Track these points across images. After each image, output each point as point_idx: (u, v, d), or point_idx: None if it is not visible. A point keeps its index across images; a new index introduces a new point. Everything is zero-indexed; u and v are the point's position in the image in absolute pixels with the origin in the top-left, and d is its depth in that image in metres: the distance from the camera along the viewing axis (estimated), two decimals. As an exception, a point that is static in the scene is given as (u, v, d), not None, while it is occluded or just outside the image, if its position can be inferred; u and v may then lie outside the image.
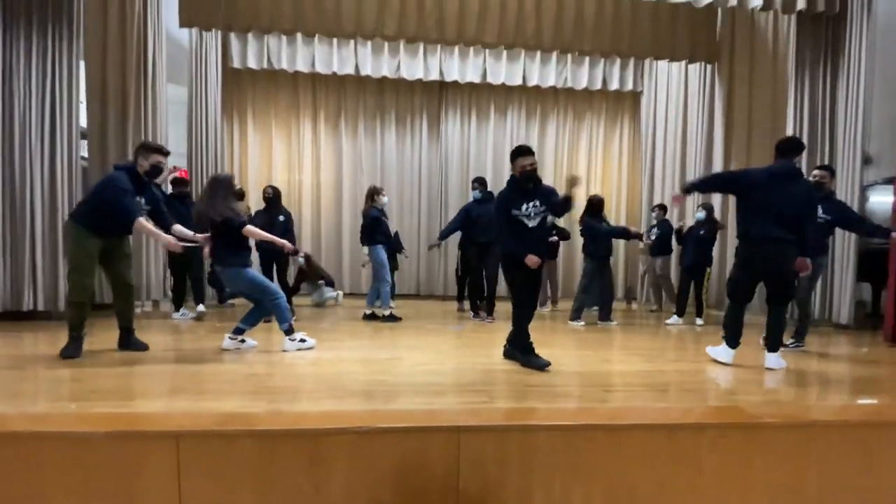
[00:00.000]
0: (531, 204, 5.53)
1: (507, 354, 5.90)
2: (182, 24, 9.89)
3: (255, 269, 6.25)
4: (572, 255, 13.30)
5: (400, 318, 8.83)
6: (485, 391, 4.46)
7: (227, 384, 4.62)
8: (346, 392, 4.43)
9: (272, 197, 8.94)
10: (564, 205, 5.58)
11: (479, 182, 9.62)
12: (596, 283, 9.20)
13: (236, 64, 12.03)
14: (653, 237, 10.44)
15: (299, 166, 12.99)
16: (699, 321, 9.23)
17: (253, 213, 9.16)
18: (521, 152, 5.57)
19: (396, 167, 13.17)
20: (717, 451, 3.76)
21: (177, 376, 4.94)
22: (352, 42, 12.03)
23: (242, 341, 6.18)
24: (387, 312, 8.78)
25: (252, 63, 12.02)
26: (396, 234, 9.39)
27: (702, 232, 9.15)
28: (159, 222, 6.07)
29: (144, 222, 5.56)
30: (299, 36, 11.75)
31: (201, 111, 11.30)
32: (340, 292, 11.55)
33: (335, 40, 11.93)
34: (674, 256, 10.73)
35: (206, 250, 8.20)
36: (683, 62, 11.78)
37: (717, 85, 11.36)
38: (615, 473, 3.69)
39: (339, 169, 12.92)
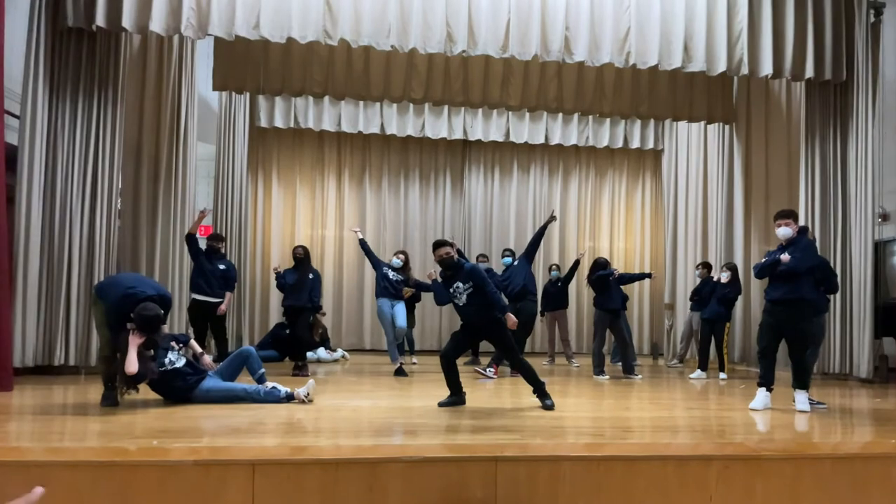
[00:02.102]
0: (455, 286, 6.72)
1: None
2: (215, 88, 10.90)
3: (214, 377, 6.67)
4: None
5: (406, 374, 9.55)
6: (517, 430, 5.32)
7: (283, 425, 5.50)
8: (392, 431, 5.31)
9: (303, 257, 9.90)
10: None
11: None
12: (603, 333, 10.01)
13: (263, 123, 13.01)
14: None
15: (322, 222, 13.87)
16: (722, 375, 10.01)
17: (282, 270, 10.04)
18: (435, 246, 6.84)
19: (420, 223, 14.02)
20: (722, 481, 4.59)
21: (229, 419, 5.81)
22: (377, 103, 12.90)
23: (274, 387, 6.89)
24: (396, 365, 9.64)
25: (279, 122, 13.00)
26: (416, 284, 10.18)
27: (727, 291, 9.95)
28: None
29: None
30: (326, 97, 12.45)
31: (228, 168, 12.21)
32: (341, 351, 12.29)
33: (361, 101, 12.81)
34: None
35: (222, 307, 9.19)
36: (702, 123, 12.49)
37: (736, 144, 12.13)
38: (631, 500, 4.53)
39: (363, 225, 13.66)
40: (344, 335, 13.76)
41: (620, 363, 10.27)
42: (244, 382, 6.85)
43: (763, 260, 7.02)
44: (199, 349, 6.90)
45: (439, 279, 7.04)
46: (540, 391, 6.69)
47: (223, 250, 9.79)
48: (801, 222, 8.12)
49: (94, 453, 4.49)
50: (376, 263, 9.99)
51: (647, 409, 6.89)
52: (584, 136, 13.97)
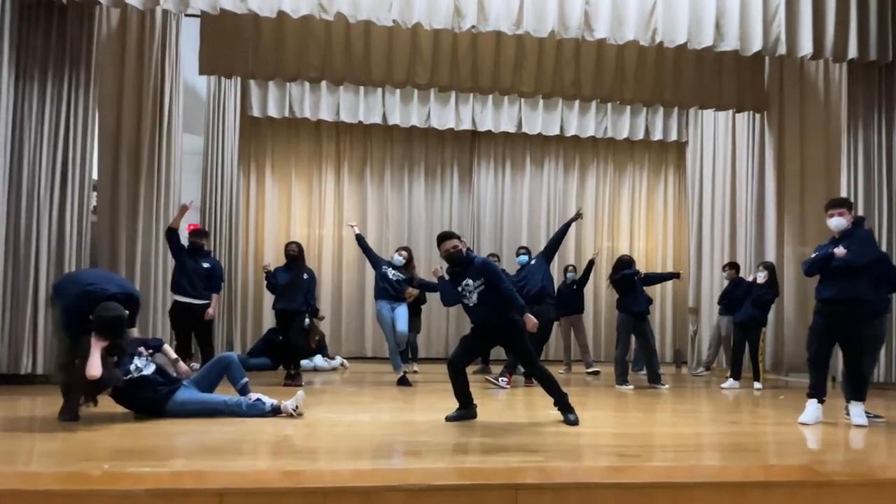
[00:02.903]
0: (464, 283, 6.13)
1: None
2: (202, 72, 10.28)
3: (189, 387, 6.04)
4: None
5: (410, 384, 9.01)
6: (538, 449, 4.67)
7: (265, 444, 4.86)
8: (392, 451, 4.67)
9: (297, 255, 9.26)
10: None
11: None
12: (627, 338, 9.45)
13: (255, 112, 12.46)
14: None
15: (320, 220, 13.37)
16: (757, 385, 9.41)
17: (272, 269, 9.44)
18: (440, 238, 6.28)
19: (425, 221, 13.52)
20: (787, 512, 3.93)
21: (204, 436, 5.17)
22: (379, 90, 12.39)
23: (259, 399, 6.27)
24: (399, 374, 9.10)
25: (272, 111, 12.44)
26: (420, 284, 9.68)
27: (763, 292, 9.41)
28: None
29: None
30: (324, 83, 12.05)
31: (217, 161, 11.70)
32: (340, 358, 11.77)
33: (361, 88, 12.31)
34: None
35: (210, 311, 8.60)
36: (731, 111, 11.96)
37: (767, 135, 11.52)
38: (680, 536, 3.88)
39: (364, 223, 13.13)
40: (343, 342, 13.23)
41: (645, 372, 9.63)
42: (226, 393, 6.22)
43: (813, 255, 6.36)
44: (173, 355, 6.30)
45: (446, 277, 6.42)
46: (562, 404, 6.08)
47: (208, 247, 9.18)
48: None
49: (36, 480, 3.87)
50: (375, 261, 9.43)
51: (683, 424, 6.29)
52: (602, 127, 13.42)
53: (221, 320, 11.77)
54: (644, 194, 14.29)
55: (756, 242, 11.48)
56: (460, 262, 6.20)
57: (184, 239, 8.92)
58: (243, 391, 6.22)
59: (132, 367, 5.65)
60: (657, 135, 13.62)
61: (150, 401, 5.79)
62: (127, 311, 5.58)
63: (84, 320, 5.38)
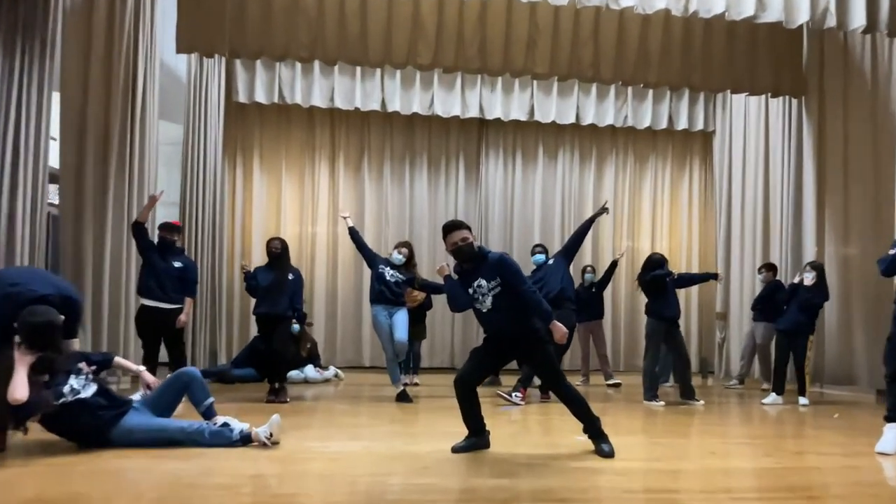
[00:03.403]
0: (475, 284, 5.21)
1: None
2: (180, 50, 9.55)
3: (141, 410, 5.10)
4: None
5: (411, 400, 8.16)
6: (575, 496, 3.73)
7: (220, 489, 3.89)
8: (381, 500, 3.71)
9: (280, 252, 8.33)
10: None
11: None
12: (657, 347, 8.63)
13: (242, 98, 11.79)
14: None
15: (313, 217, 12.61)
16: (803, 401, 8.57)
17: (252, 269, 8.55)
18: (447, 229, 5.33)
19: (428, 218, 12.77)
20: None
21: (148, 477, 4.22)
22: (377, 73, 11.77)
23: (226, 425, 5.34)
24: (398, 389, 8.26)
25: (260, 97, 11.75)
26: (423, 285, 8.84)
27: (811, 296, 8.59)
28: None
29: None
30: (317, 66, 11.45)
31: (199, 152, 11.06)
32: (333, 369, 10.95)
33: (358, 71, 11.67)
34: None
35: (182, 317, 7.72)
36: (763, 97, 11.39)
37: (806, 121, 10.90)
38: None
39: (361, 219, 12.39)
40: (339, 350, 12.40)
41: (672, 383, 8.71)
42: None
43: (892, 251, 5.46)
44: (133, 367, 5.38)
45: (454, 276, 5.45)
46: (594, 431, 5.15)
47: (180, 244, 8.28)
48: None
49: None
50: (371, 259, 8.49)
51: (738, 456, 5.37)
52: (621, 116, 12.69)
53: (204, 328, 11.13)
54: (667, 188, 13.51)
55: (793, 241, 10.92)
56: (471, 258, 5.24)
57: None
58: (207, 414, 5.28)
59: (66, 388, 4.69)
60: (682, 123, 12.95)
61: (89, 428, 4.84)
62: (62, 317, 4.67)
63: (6, 328, 4.48)
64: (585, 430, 5.17)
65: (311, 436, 5.75)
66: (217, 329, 11.40)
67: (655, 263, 8.65)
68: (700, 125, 13.03)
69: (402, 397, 8.13)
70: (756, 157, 12.01)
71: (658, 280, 8.46)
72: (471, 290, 5.23)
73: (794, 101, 11.09)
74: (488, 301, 5.16)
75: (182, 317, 7.71)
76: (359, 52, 9.61)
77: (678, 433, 6.46)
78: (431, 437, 5.78)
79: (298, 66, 11.52)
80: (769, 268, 10.37)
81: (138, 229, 7.66)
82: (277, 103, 11.84)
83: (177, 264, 7.77)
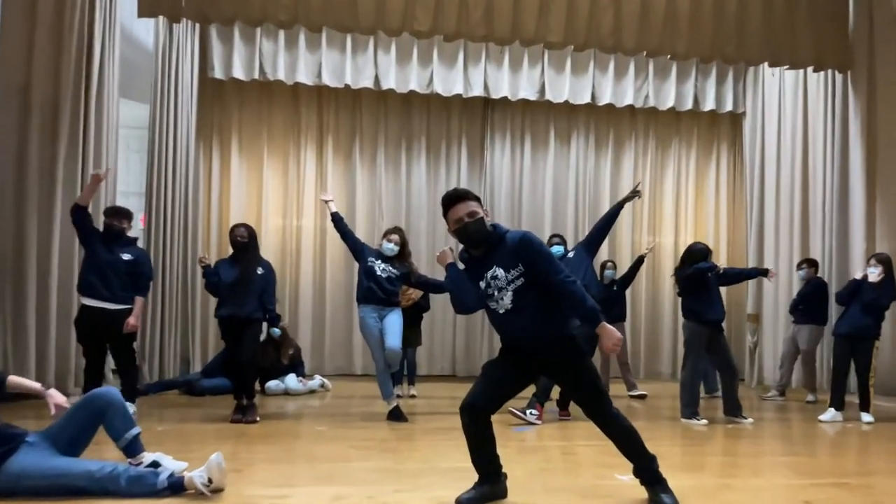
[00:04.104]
0: (489, 275, 4.06)
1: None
2: (142, 14, 8.62)
3: (39, 446, 4.05)
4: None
5: (406, 419, 7.19)
6: None
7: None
8: None
9: (247, 242, 7.20)
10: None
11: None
12: (698, 356, 7.56)
13: (218, 73, 10.83)
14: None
15: (298, 208, 11.62)
16: (867, 417, 7.66)
17: (212, 263, 7.42)
18: (450, 200, 4.15)
19: (427, 208, 11.84)
20: None
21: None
22: (370, 45, 10.94)
23: (155, 464, 4.23)
24: (391, 405, 7.29)
25: (238, 72, 10.78)
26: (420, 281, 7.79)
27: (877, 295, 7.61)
28: None
29: None
30: (302, 37, 10.63)
31: (168, 136, 10.09)
32: (319, 378, 9.93)
33: (348, 42, 10.81)
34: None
35: (132, 320, 6.67)
36: (800, 72, 10.71)
37: (852, 99, 10.13)
38: None
39: (352, 210, 11.48)
40: (328, 356, 11.38)
41: (723, 400, 7.70)
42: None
43: None
44: (33, 387, 4.19)
45: (459, 264, 4.29)
46: (649, 475, 4.08)
47: (130, 232, 7.12)
48: None
49: None
50: (359, 251, 7.39)
51: (827, 492, 4.33)
52: (641, 95, 11.84)
53: (174, 332, 10.14)
54: (692, 176, 12.65)
55: (838, 234, 10.20)
56: (483, 240, 4.07)
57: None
58: (130, 451, 4.21)
59: None
60: (708, 104, 12.13)
61: None
62: None
63: None
64: (636, 473, 4.07)
65: (267, 479, 4.61)
66: (190, 333, 10.43)
67: (698, 255, 7.54)
68: (729, 106, 12.25)
69: (395, 415, 7.14)
70: (793, 141, 11.23)
71: (701, 275, 7.38)
72: (483, 284, 4.08)
73: (839, 77, 10.31)
74: (507, 298, 4.00)
75: (131, 319, 6.65)
76: (347, 17, 8.78)
77: (746, 468, 5.43)
78: (429, 480, 4.67)
79: (282, 37, 10.65)
80: (811, 264, 9.57)
81: (79, 214, 6.63)
82: (258, 80, 10.92)
83: (126, 257, 6.72)
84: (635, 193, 7.81)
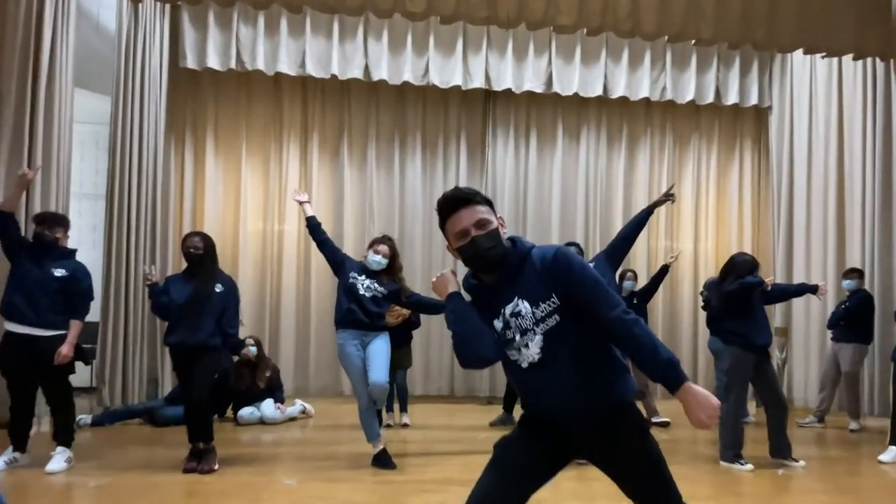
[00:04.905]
0: (507, 312, 2.81)
1: None
2: None
3: None
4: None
5: (393, 465, 6.19)
6: None
7: None
8: None
9: (202, 254, 6.23)
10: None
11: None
12: (743, 387, 6.69)
13: (190, 63, 10.29)
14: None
15: (280, 211, 11.13)
16: None
17: (159, 281, 6.46)
18: (447, 205, 2.87)
19: (422, 211, 11.36)
20: None
21: None
22: (359, 30, 10.49)
23: None
24: (377, 448, 6.28)
25: (213, 62, 10.24)
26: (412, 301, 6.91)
27: None
28: None
29: None
30: (283, 22, 10.14)
31: (132, 131, 9.46)
32: (300, 403, 9.23)
33: (335, 27, 10.34)
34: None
35: (64, 349, 5.77)
36: (834, 61, 10.32)
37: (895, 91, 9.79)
38: None
39: (340, 213, 11.01)
40: (312, 375, 10.75)
41: (770, 438, 6.69)
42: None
43: None
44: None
45: (463, 292, 2.99)
46: None
47: (65, 242, 6.18)
48: None
49: None
50: (339, 262, 6.46)
51: None
52: (658, 87, 11.36)
53: (141, 352, 9.39)
54: (713, 175, 12.22)
55: (881, 238, 9.77)
56: (497, 261, 2.84)
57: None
58: None
59: None
60: (731, 97, 11.66)
61: None
62: None
63: None
64: None
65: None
66: (158, 352, 9.71)
67: (744, 267, 6.58)
68: (753, 99, 11.78)
69: (382, 462, 6.17)
70: (826, 137, 10.77)
71: (748, 291, 6.42)
72: (499, 325, 2.84)
73: (880, 65, 9.81)
74: (534, 345, 2.75)
75: (64, 348, 5.72)
76: (333, -3, 8.25)
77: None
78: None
79: (261, 22, 10.12)
80: (860, 275, 8.87)
81: (3, 221, 5.75)
82: (236, 70, 10.39)
83: (58, 273, 5.80)
84: (669, 196, 6.91)
